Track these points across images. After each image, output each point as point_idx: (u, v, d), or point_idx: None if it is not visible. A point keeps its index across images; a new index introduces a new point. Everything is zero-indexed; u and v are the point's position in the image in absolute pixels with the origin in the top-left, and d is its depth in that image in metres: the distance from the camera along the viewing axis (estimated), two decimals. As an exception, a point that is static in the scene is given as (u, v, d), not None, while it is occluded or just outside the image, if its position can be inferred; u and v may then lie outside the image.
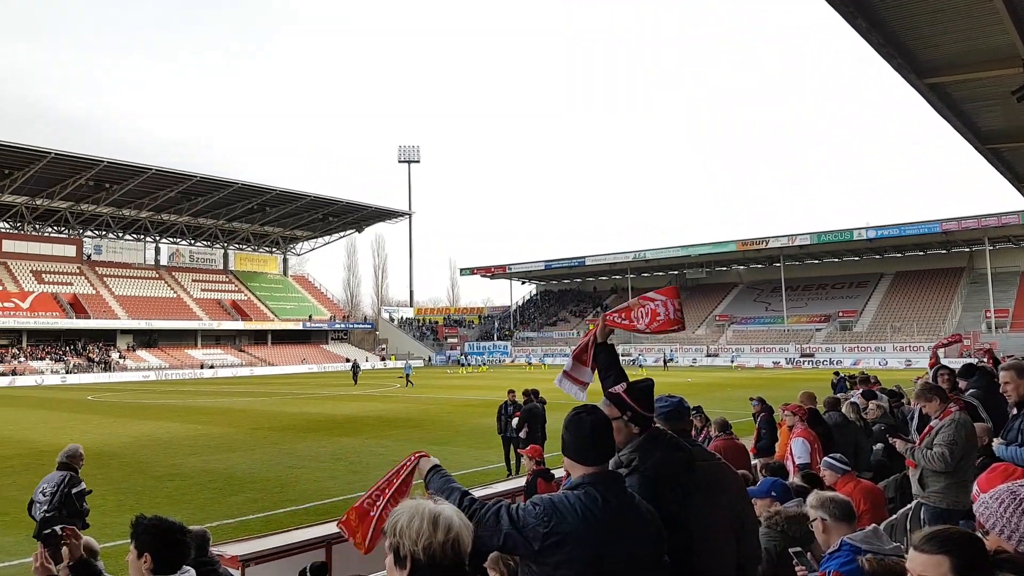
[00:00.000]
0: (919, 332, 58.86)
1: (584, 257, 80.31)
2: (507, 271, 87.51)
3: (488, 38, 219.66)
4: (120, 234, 78.54)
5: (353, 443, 19.42)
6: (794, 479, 5.64)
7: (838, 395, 10.43)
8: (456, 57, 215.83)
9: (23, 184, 61.78)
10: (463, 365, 73.72)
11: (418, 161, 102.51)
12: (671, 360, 64.24)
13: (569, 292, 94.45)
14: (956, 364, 10.94)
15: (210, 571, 4.36)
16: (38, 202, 67.27)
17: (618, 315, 3.78)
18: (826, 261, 75.76)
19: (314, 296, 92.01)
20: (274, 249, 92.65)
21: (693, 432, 6.99)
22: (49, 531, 3.13)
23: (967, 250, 66.97)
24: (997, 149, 17.06)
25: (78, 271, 73.64)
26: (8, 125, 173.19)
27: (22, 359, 60.75)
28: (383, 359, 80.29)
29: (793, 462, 6.68)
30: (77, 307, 67.84)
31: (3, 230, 70.85)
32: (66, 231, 74.80)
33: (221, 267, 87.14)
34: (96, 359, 64.53)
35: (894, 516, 5.79)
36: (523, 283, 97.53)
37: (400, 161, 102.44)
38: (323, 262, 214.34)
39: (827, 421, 7.79)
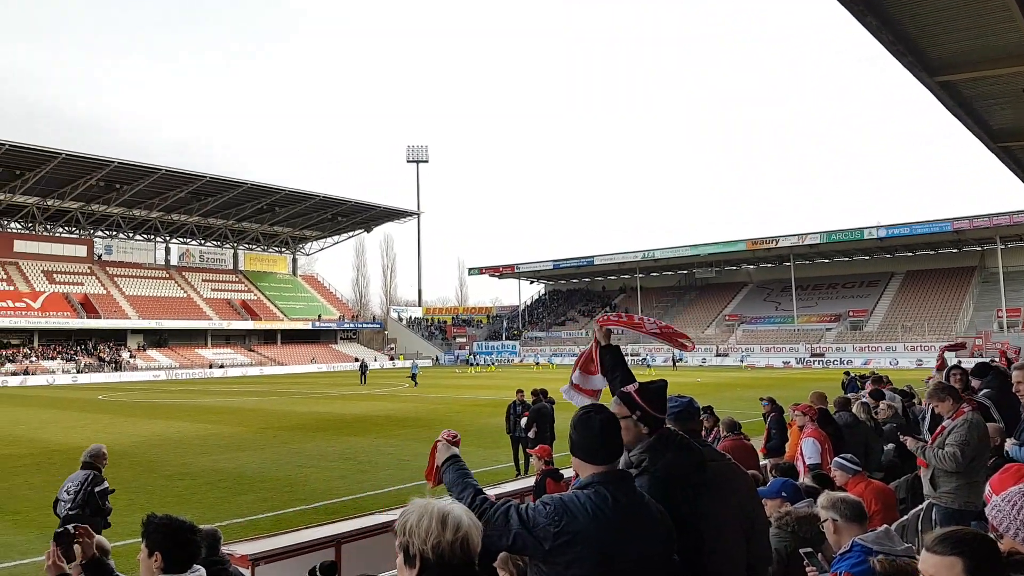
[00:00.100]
0: (930, 332, 58.55)
1: (592, 256, 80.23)
2: (515, 271, 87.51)
3: (495, 38, 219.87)
4: (130, 234, 78.95)
5: (362, 442, 19.46)
6: (804, 479, 5.62)
7: (848, 395, 10.38)
8: (464, 57, 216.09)
9: (34, 185, 62.21)
10: (472, 365, 73.75)
11: (426, 161, 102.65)
12: (680, 360, 64.04)
13: (578, 292, 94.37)
14: (968, 364, 10.86)
15: (221, 570, 4.38)
16: (49, 203, 67.70)
17: (615, 315, 3.79)
18: (836, 260, 75.44)
19: (323, 296, 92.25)
20: (283, 249, 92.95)
21: (703, 432, 6.99)
22: (62, 529, 3.14)
23: (979, 249, 66.56)
24: (1009, 147, 16.94)
25: (89, 271, 74.05)
26: (8, 125, 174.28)
27: (34, 359, 61.14)
28: (392, 359, 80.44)
29: (803, 462, 6.65)
30: (88, 307, 68.22)
31: (15, 231, 71.35)
32: (77, 231, 75.25)
33: (231, 267, 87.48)
34: (107, 359, 64.87)
35: (905, 517, 5.76)
36: (531, 283, 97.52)
37: (408, 161, 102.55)
38: (332, 262, 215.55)
39: (837, 421, 7.75)
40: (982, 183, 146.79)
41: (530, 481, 8.78)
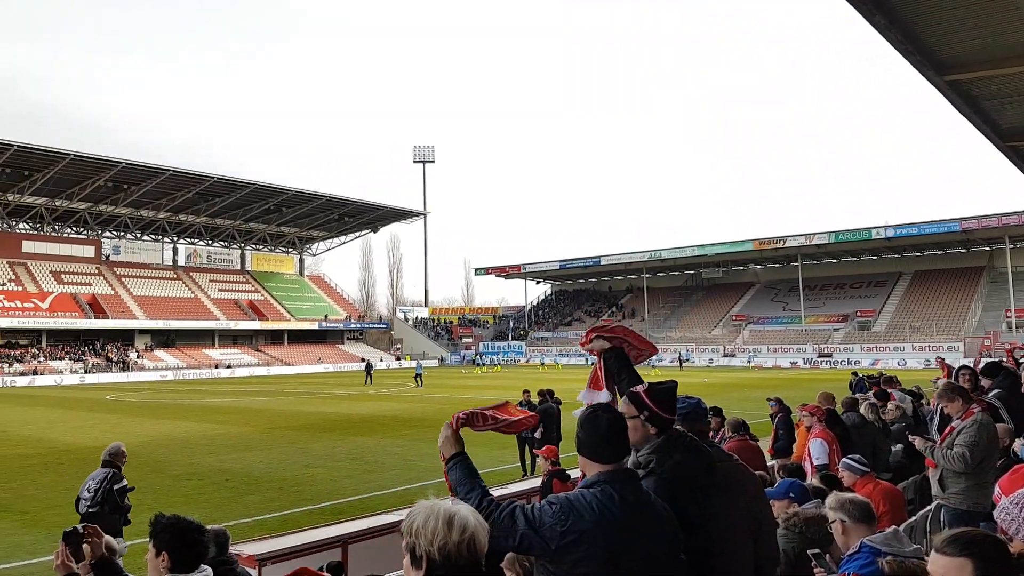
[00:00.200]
0: (938, 332, 58.32)
1: (599, 257, 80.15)
2: (522, 271, 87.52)
3: (500, 38, 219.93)
4: (138, 235, 79.24)
5: (369, 443, 19.48)
6: (812, 480, 5.60)
7: (856, 395, 10.34)
8: (470, 58, 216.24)
9: (43, 185, 62.49)
10: (478, 365, 73.77)
11: (433, 161, 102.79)
12: (687, 360, 63.96)
13: (584, 292, 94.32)
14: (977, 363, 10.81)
15: (228, 570, 4.38)
16: (57, 203, 68.01)
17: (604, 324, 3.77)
18: (844, 260, 75.22)
19: (330, 296, 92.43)
20: (290, 249, 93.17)
21: (711, 433, 6.97)
22: (71, 529, 3.15)
23: (987, 249, 66.27)
24: (1018, 147, 16.85)
25: (97, 271, 74.35)
26: (8, 125, 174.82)
27: (42, 359, 61.41)
28: (398, 359, 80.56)
29: (811, 463, 6.63)
30: (96, 307, 68.48)
31: (23, 231, 71.69)
32: (85, 232, 75.57)
33: (238, 267, 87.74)
34: (114, 359, 65.13)
35: (914, 518, 5.73)
36: (538, 283, 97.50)
37: (415, 161, 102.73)
38: (339, 262, 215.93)
39: (845, 422, 7.72)
40: (991, 183, 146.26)
41: (536, 482, 8.77)
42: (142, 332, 70.73)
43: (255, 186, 69.86)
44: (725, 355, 66.67)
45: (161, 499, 12.62)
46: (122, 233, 78.03)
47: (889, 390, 11.22)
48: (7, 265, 68.16)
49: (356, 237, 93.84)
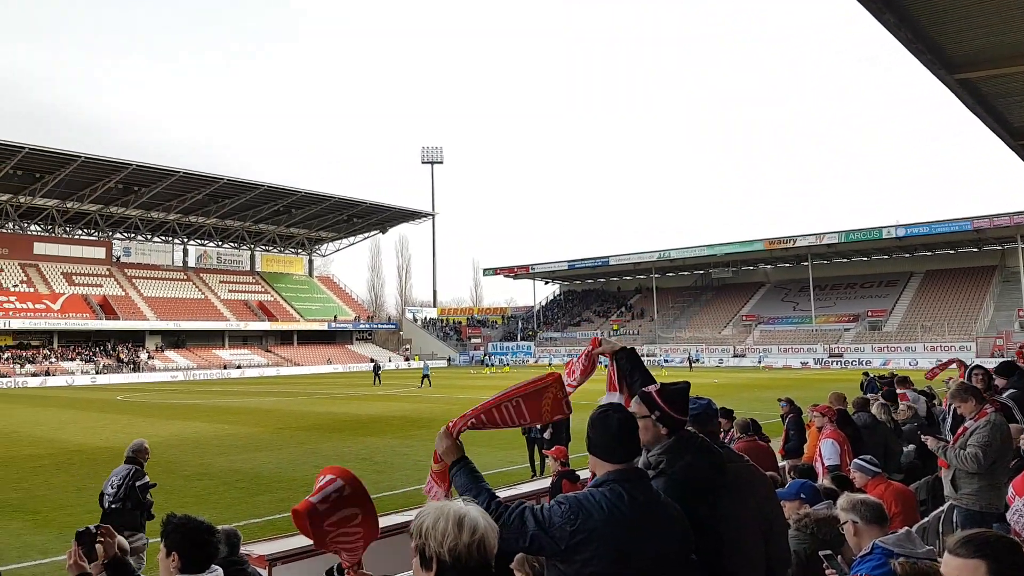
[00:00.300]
0: (950, 332, 58.00)
1: (608, 257, 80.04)
2: (530, 271, 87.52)
3: (509, 39, 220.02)
4: (149, 236, 79.66)
5: (378, 443, 19.51)
6: (823, 481, 5.57)
7: (867, 396, 10.29)
8: (478, 59, 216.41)
9: (54, 188, 62.90)
10: (487, 365, 73.80)
11: (441, 162, 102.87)
12: (696, 361, 63.78)
13: (593, 292, 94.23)
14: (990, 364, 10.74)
15: (240, 570, 4.40)
16: (68, 205, 68.45)
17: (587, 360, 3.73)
18: (855, 260, 74.90)
19: (339, 297, 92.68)
20: (299, 250, 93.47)
21: (722, 434, 6.94)
22: (83, 529, 3.16)
23: (999, 248, 65.89)
24: (1030, 145, 16.73)
25: (107, 273, 74.77)
26: (7, 125, 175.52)
27: (53, 360, 61.80)
28: (407, 359, 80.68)
29: (822, 464, 6.60)
30: (107, 308, 68.88)
31: (34, 233, 72.17)
32: (96, 233, 76.02)
33: (248, 268, 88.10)
34: (125, 359, 65.47)
35: (926, 519, 5.70)
36: (546, 283, 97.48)
37: (423, 162, 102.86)
38: (348, 263, 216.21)
39: (856, 422, 7.68)
40: (1003, 182, 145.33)
41: (546, 482, 8.76)
42: (153, 333, 71.10)
43: (265, 187, 70.11)
44: (735, 355, 66.47)
45: (172, 499, 12.65)
46: (132, 235, 78.46)
47: (903, 390, 11.16)
48: (19, 267, 68.65)
49: (365, 238, 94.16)
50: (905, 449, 8.23)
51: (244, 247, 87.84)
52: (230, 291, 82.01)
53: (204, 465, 16.33)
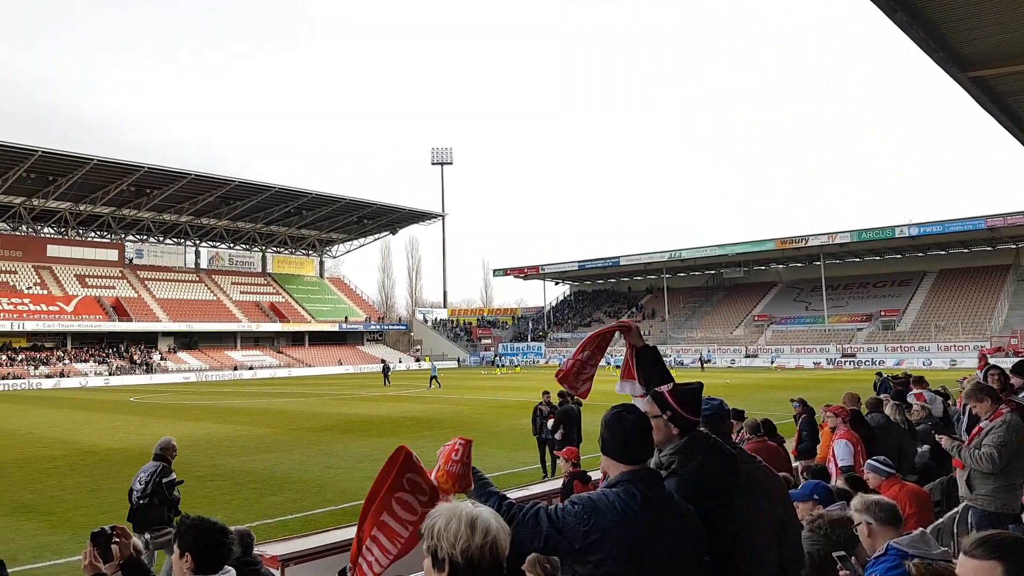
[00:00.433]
0: (964, 331, 57.60)
1: (618, 257, 79.88)
2: (540, 272, 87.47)
3: (519, 40, 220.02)
4: (161, 238, 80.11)
5: (389, 444, 19.45)
6: (837, 482, 5.55)
7: (881, 396, 10.23)
8: (487, 60, 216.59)
9: (67, 190, 63.35)
10: (498, 366, 73.84)
11: (451, 163, 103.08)
12: (708, 361, 63.57)
13: (603, 292, 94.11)
14: (1005, 364, 10.66)
15: (253, 571, 4.42)
16: (81, 207, 68.91)
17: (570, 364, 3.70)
18: (867, 259, 74.52)
19: (349, 298, 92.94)
20: (310, 252, 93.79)
21: (734, 435, 6.90)
22: (98, 530, 3.17)
23: (1013, 247, 65.45)
24: (1044, 144, 16.61)
25: (120, 275, 75.25)
26: (7, 125, 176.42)
27: (67, 361, 62.24)
28: (417, 360, 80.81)
29: (836, 464, 6.56)
30: (119, 310, 69.32)
31: (48, 235, 72.71)
32: (108, 236, 76.50)
33: (259, 270, 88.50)
34: (138, 361, 65.86)
35: (941, 520, 5.65)
36: (556, 283, 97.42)
37: (433, 163, 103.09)
38: (358, 264, 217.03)
39: (870, 423, 7.63)
40: (1016, 179, 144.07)
41: (557, 483, 8.75)
42: (165, 334, 71.50)
43: (276, 189, 70.38)
44: (747, 356, 66.22)
45: (185, 500, 12.60)
46: (145, 237, 78.93)
47: (919, 390, 11.10)
48: (33, 269, 69.21)
49: (375, 239, 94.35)
50: (919, 450, 8.17)
51: (255, 249, 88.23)
52: (242, 292, 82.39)
53: (216, 466, 16.40)
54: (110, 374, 61.02)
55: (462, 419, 25.31)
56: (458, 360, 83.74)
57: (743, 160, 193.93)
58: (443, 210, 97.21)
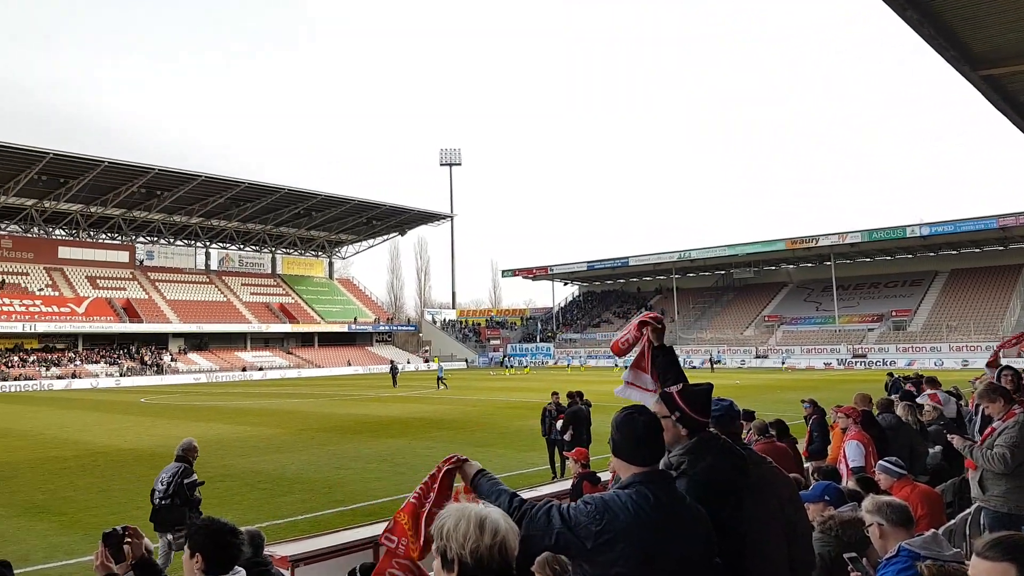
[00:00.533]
0: (976, 331, 57.26)
1: (628, 257, 79.78)
2: (549, 272, 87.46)
3: (527, 40, 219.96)
4: (171, 240, 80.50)
5: (399, 444, 19.58)
6: (848, 483, 5.52)
7: (892, 396, 10.18)
8: (496, 61, 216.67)
9: (78, 192, 63.74)
10: (507, 367, 73.87)
11: (459, 164, 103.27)
12: (718, 362, 63.37)
13: (612, 293, 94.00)
14: (1018, 364, 10.59)
15: (263, 571, 4.43)
16: (92, 209, 69.30)
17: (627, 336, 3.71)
18: (878, 259, 74.20)
19: (359, 299, 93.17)
20: (320, 253, 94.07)
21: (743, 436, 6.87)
22: (110, 530, 3.18)
23: (1025, 246, 65.06)
24: (1056, 142, 16.52)
25: (131, 276, 75.66)
26: (11, 127, 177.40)
27: (78, 362, 62.61)
28: (426, 361, 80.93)
29: (847, 465, 6.53)
30: (130, 311, 69.70)
31: (59, 237, 73.15)
32: (119, 237, 76.91)
33: (269, 271, 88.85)
34: (149, 362, 66.19)
35: (953, 521, 5.62)
36: (565, 284, 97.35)
37: (442, 164, 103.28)
38: (367, 265, 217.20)
39: (881, 423, 7.59)
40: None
41: (566, 484, 8.74)
42: (175, 335, 71.85)
43: (285, 190, 70.64)
44: (757, 356, 66.00)
45: (195, 500, 12.78)
46: (155, 238, 79.32)
47: (933, 390, 11.04)
48: (44, 271, 69.67)
49: (384, 240, 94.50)
50: (931, 450, 8.13)
51: (265, 250, 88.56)
52: (252, 294, 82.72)
53: (226, 466, 16.46)
54: (121, 375, 61.36)
55: (471, 420, 25.32)
56: (467, 360, 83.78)
57: (752, 160, 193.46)
58: (452, 211, 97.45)
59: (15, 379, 55.92)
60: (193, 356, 70.72)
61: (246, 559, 3.68)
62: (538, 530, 2.45)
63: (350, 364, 74.98)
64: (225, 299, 79.55)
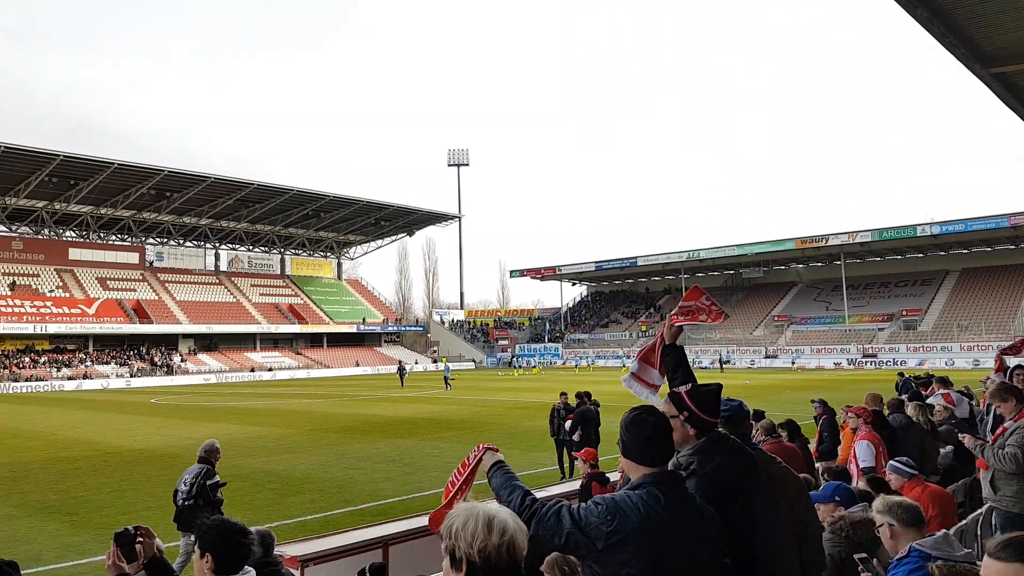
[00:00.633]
0: (987, 331, 56.92)
1: (636, 257, 79.63)
2: (557, 272, 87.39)
3: (535, 41, 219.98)
4: (181, 241, 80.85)
5: (407, 444, 19.60)
6: (858, 483, 5.49)
7: (902, 396, 10.13)
8: (504, 61, 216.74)
9: (88, 194, 64.11)
10: (515, 367, 73.88)
11: (467, 164, 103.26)
12: (727, 362, 63.17)
13: (621, 293, 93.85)
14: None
15: (273, 571, 4.44)
16: (102, 211, 69.66)
17: (681, 314, 3.71)
18: (888, 258, 73.81)
19: (367, 299, 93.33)
20: (328, 254, 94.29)
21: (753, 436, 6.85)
22: (122, 530, 3.19)
23: (1037, 245, 64.63)
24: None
25: (141, 278, 76.02)
26: (10, 127, 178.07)
27: (89, 363, 62.93)
28: (434, 361, 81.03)
29: (857, 466, 6.49)
30: (140, 313, 70.02)
31: (70, 238, 73.55)
32: (129, 239, 77.28)
33: (278, 272, 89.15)
34: (159, 363, 66.48)
35: (964, 521, 5.59)
36: (573, 284, 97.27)
37: (450, 165, 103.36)
38: (375, 266, 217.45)
39: (892, 423, 7.55)
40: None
41: (575, 485, 8.74)
42: (185, 336, 72.16)
43: (294, 192, 70.85)
44: (767, 356, 65.78)
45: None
46: (165, 240, 79.70)
47: (945, 390, 10.98)
48: (55, 272, 70.06)
49: (392, 241, 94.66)
50: (943, 450, 8.07)
51: (274, 251, 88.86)
52: (261, 294, 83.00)
53: (236, 467, 16.50)
54: (131, 376, 61.66)
55: (479, 420, 25.33)
56: (474, 361, 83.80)
57: (761, 160, 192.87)
58: (460, 211, 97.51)
59: (26, 380, 56.28)
60: (203, 357, 70.99)
61: (256, 559, 3.69)
62: (548, 530, 2.45)
63: (358, 365, 75.13)
64: (234, 300, 79.84)
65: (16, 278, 66.74)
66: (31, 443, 22.01)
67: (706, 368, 58.73)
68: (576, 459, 9.70)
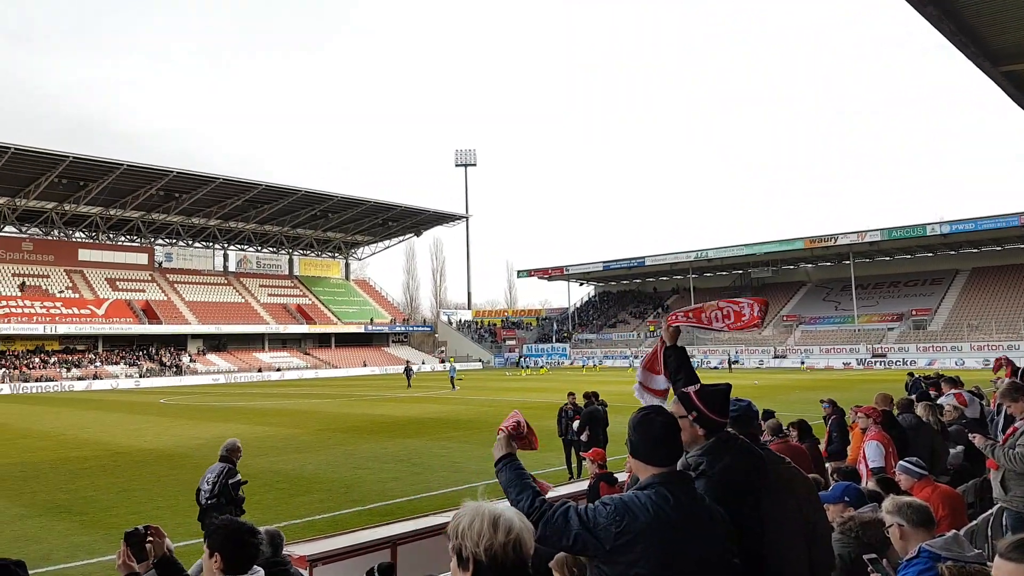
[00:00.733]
0: (998, 331, 56.61)
1: (644, 257, 79.46)
2: (564, 272, 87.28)
3: (543, 41, 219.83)
4: (190, 242, 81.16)
5: (415, 444, 19.61)
6: (868, 483, 5.47)
7: (912, 396, 10.07)
8: (511, 62, 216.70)
9: (97, 195, 64.45)
10: (523, 367, 73.84)
11: (474, 164, 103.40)
12: (736, 362, 62.99)
13: (628, 293, 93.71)
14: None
15: (282, 571, 4.45)
16: (111, 212, 69.99)
17: (683, 315, 3.70)
18: (898, 258, 73.49)
19: (375, 299, 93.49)
20: (336, 254, 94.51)
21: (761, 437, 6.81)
22: (132, 530, 3.20)
23: (1048, 244, 64.24)
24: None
25: (150, 278, 76.34)
26: (27, 130, 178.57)
27: (98, 364, 63.22)
28: (442, 361, 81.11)
29: (866, 466, 6.46)
30: (149, 313, 70.31)
31: (79, 239, 73.94)
32: (138, 240, 77.62)
33: (286, 272, 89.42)
34: (168, 363, 66.74)
35: (975, 522, 5.56)
36: (581, 284, 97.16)
37: (457, 165, 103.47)
38: (383, 266, 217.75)
39: (901, 423, 7.51)
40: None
41: (583, 485, 8.73)
42: (194, 337, 72.43)
43: (302, 192, 71.04)
44: (776, 356, 65.57)
45: (214, 500, 12.84)
46: (174, 240, 80.00)
47: (956, 390, 10.92)
48: (64, 273, 70.43)
49: (400, 241, 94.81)
50: (953, 450, 8.03)
51: (282, 251, 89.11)
52: (269, 295, 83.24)
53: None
54: (140, 376, 61.92)
55: (487, 420, 25.32)
56: (482, 361, 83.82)
57: (769, 160, 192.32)
58: (467, 211, 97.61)
59: (36, 380, 56.61)
60: (211, 357, 71.25)
61: (265, 559, 3.70)
62: (555, 531, 2.45)
63: (366, 365, 75.26)
64: (243, 300, 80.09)
65: (26, 279, 67.13)
66: (41, 443, 22.13)
67: (715, 368, 58.62)
68: (584, 459, 9.69)
